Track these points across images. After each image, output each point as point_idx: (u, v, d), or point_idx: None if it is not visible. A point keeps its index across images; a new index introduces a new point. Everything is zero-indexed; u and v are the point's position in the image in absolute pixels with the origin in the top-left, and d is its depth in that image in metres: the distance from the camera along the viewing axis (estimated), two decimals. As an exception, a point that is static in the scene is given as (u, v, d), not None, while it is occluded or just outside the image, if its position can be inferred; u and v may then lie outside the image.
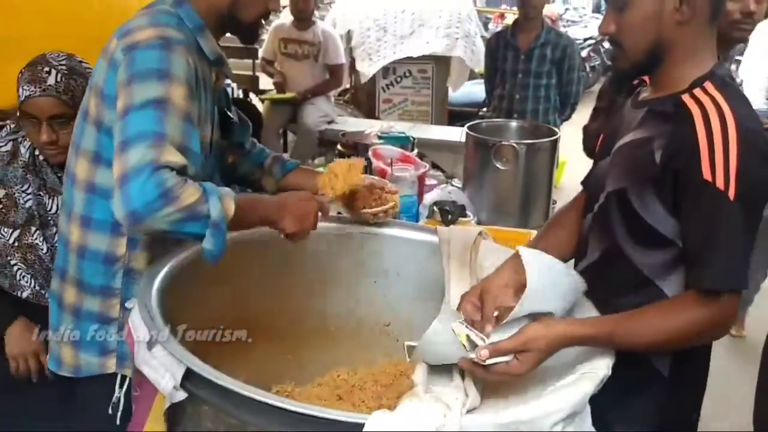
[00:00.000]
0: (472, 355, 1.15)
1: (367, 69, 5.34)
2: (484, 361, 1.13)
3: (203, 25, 1.44)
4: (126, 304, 1.33)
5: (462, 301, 1.32)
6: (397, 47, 5.27)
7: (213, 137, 1.56)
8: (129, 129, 1.24)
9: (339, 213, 1.75)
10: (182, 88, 1.30)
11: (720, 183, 1.15)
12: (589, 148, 2.61)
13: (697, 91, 1.24)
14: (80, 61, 1.79)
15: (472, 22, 5.34)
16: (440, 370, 1.26)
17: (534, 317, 1.17)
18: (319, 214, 1.49)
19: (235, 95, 5.55)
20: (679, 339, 1.21)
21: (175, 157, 1.23)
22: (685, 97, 1.24)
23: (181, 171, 1.24)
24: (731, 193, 1.15)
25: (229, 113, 1.67)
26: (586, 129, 2.62)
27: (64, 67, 1.73)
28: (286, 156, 1.99)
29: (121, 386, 1.45)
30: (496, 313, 1.23)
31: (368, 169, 2.26)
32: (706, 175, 1.16)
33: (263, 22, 1.55)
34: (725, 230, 1.16)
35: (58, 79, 1.70)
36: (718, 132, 1.17)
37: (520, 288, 1.20)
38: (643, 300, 1.25)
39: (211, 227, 1.24)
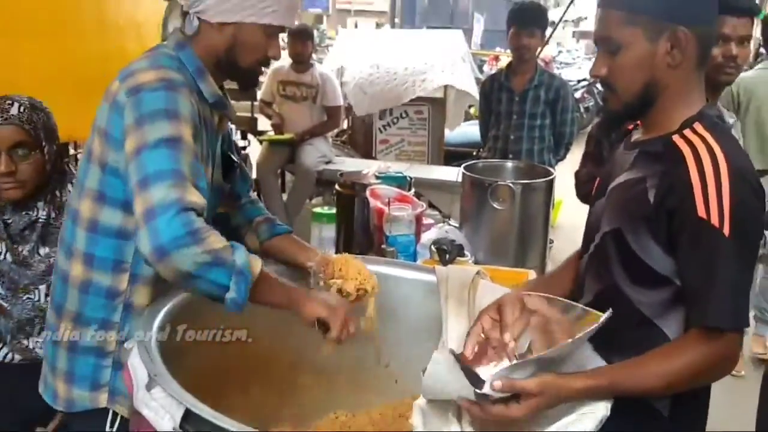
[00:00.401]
0: (484, 390, 1.12)
1: (361, 104, 5.39)
2: (496, 391, 1.11)
3: (203, 68, 1.47)
4: (125, 344, 1.34)
5: (480, 317, 1.33)
6: (394, 88, 5.32)
7: (213, 178, 1.58)
8: (147, 167, 1.26)
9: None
10: (189, 127, 1.34)
11: (715, 220, 1.16)
12: (581, 194, 2.64)
13: (687, 132, 1.26)
14: (40, 102, 1.88)
15: (466, 64, 5.43)
16: (438, 412, 1.25)
17: (541, 363, 1.16)
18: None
19: (234, 137, 5.60)
20: (681, 381, 1.21)
21: (197, 198, 1.26)
22: (676, 138, 1.27)
23: (203, 213, 1.28)
24: (726, 230, 1.16)
25: (231, 156, 1.69)
26: (577, 174, 2.65)
27: (26, 102, 1.82)
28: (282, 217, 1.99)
29: (112, 424, 1.45)
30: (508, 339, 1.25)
31: (366, 208, 2.29)
32: (701, 212, 1.17)
33: (263, 69, 1.56)
34: (723, 267, 1.17)
35: (21, 110, 1.79)
36: (710, 170, 1.19)
37: None
38: (643, 340, 1.26)
39: (236, 275, 1.24)
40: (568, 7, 6.06)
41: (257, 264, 1.29)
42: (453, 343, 1.40)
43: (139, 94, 1.34)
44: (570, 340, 1.16)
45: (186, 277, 1.23)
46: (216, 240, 1.24)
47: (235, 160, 1.70)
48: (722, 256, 1.17)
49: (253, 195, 1.83)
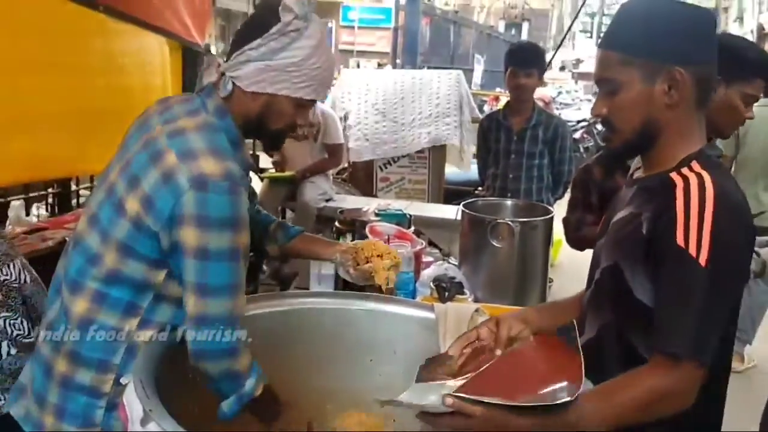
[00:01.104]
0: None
1: (364, 150, 5.45)
2: (447, 406, 1.11)
3: (238, 138, 1.51)
4: (120, 380, 1.33)
5: (479, 327, 1.42)
6: (398, 139, 5.42)
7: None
8: (208, 277, 1.37)
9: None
10: (246, 229, 1.42)
11: (693, 250, 1.17)
12: (572, 240, 2.65)
13: (684, 169, 1.28)
14: None
15: (464, 113, 5.50)
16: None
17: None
18: None
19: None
20: (640, 410, 1.18)
21: (243, 304, 1.44)
22: (673, 174, 1.28)
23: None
24: (703, 260, 1.16)
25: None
26: (566, 221, 2.66)
27: None
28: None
29: None
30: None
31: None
32: (680, 241, 1.18)
33: (287, 135, 1.60)
34: (693, 297, 1.17)
35: None
36: (696, 200, 1.20)
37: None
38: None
39: (238, 397, 1.42)
40: (561, 43, 6.13)
41: (260, 389, 1.45)
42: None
43: (205, 193, 1.34)
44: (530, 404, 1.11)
45: (205, 376, 1.41)
46: (245, 359, 1.42)
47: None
48: (694, 286, 1.17)
49: (258, 206, 1.92)
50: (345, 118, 5.56)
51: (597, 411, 1.16)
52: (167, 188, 1.36)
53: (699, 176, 1.25)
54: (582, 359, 1.18)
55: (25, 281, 2.02)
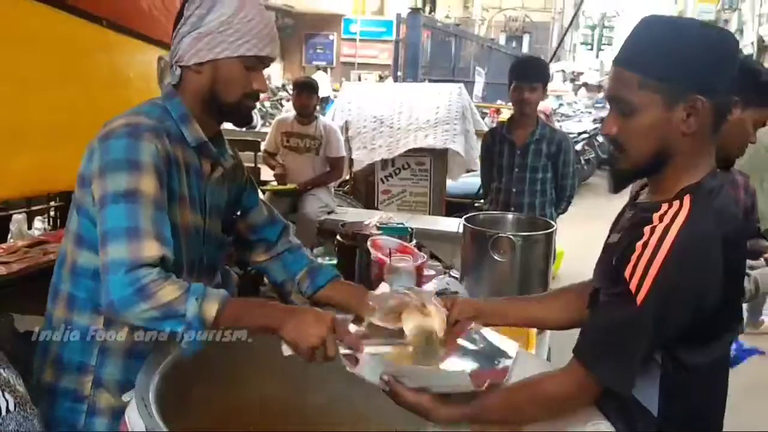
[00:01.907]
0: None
1: (363, 157, 5.46)
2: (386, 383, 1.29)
3: (188, 114, 1.50)
4: (123, 397, 1.32)
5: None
6: (394, 142, 5.41)
7: (206, 226, 1.58)
8: (106, 222, 1.32)
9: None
10: (152, 176, 1.36)
11: (633, 286, 1.17)
12: None
13: (676, 202, 1.24)
14: None
15: (468, 121, 5.50)
16: None
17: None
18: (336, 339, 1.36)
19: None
20: (537, 410, 1.28)
21: (152, 251, 1.30)
22: (665, 205, 1.25)
23: (161, 263, 1.31)
24: (639, 299, 1.16)
25: (236, 209, 1.71)
26: None
27: None
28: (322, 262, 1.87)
29: None
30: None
31: (367, 259, 2.29)
32: (627, 274, 1.19)
33: (253, 103, 1.56)
34: (618, 326, 1.20)
35: None
36: (654, 240, 1.18)
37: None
38: (620, 406, 1.27)
39: (186, 325, 1.29)
40: (555, 52, 6.14)
41: (212, 308, 1.31)
42: None
43: (107, 141, 1.38)
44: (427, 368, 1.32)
45: (143, 326, 1.33)
46: (168, 291, 1.29)
47: (236, 213, 1.71)
48: (622, 314, 1.19)
49: (293, 239, 1.79)
50: (345, 129, 5.58)
51: (496, 405, 1.28)
52: (87, 158, 1.40)
53: (675, 213, 1.21)
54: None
55: (6, 411, 1.19)
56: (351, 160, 5.69)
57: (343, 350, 1.33)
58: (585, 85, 20.82)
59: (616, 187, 1.37)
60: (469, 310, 1.54)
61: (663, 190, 1.29)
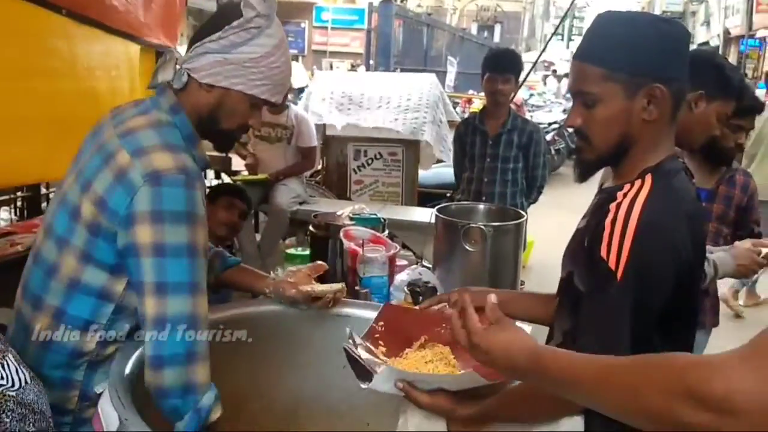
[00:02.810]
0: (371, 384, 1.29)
1: (335, 122, 5.46)
2: (400, 390, 1.29)
3: (194, 134, 1.49)
4: (96, 389, 1.32)
5: (452, 292, 1.57)
6: (362, 118, 5.42)
7: None
8: (167, 275, 1.32)
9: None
10: (204, 226, 1.38)
11: (612, 263, 1.20)
12: None
13: (638, 181, 1.29)
14: None
15: (439, 110, 5.52)
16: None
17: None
18: None
19: (207, 176, 5.59)
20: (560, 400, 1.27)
21: (205, 309, 1.36)
22: (626, 186, 1.29)
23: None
24: (619, 274, 1.19)
25: None
26: None
27: None
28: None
29: None
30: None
31: (340, 249, 2.30)
32: (603, 253, 1.21)
33: (241, 135, 1.58)
34: (608, 308, 1.21)
35: None
36: (622, 217, 1.22)
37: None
38: None
39: (195, 411, 1.31)
40: (540, 54, 6.21)
41: (216, 413, 1.35)
42: None
43: (159, 187, 1.33)
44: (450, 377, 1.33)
45: (159, 393, 1.31)
46: (203, 372, 1.33)
47: None
48: (609, 294, 1.21)
49: None
50: (319, 117, 5.57)
51: (512, 403, 1.30)
52: (121, 186, 1.34)
53: (638, 192, 1.26)
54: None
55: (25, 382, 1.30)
56: (324, 151, 5.69)
57: (355, 365, 1.36)
58: (554, 72, 20.97)
59: (582, 176, 1.41)
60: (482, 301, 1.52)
61: (625, 174, 1.34)
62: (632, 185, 1.29)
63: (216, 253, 1.80)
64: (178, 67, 1.47)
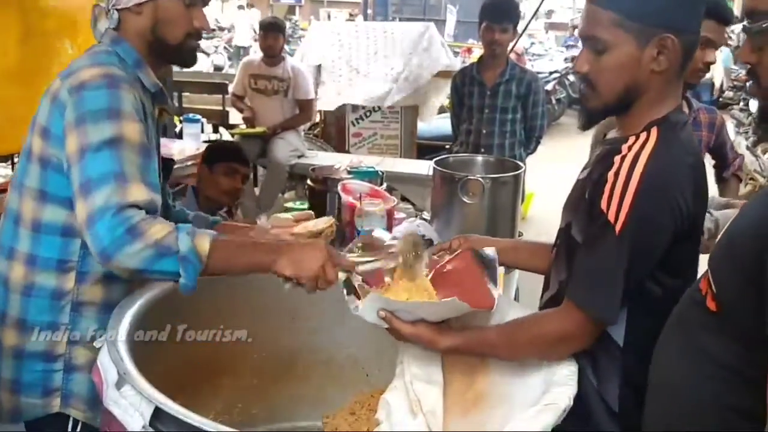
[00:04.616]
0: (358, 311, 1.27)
1: (329, 102, 5.44)
2: (381, 318, 1.27)
3: (141, 59, 1.47)
4: (95, 343, 1.33)
5: (453, 239, 1.63)
6: (367, 90, 5.38)
7: (159, 170, 1.55)
8: (89, 171, 1.28)
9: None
10: (134, 123, 1.34)
11: (611, 216, 1.21)
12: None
13: (644, 134, 1.28)
14: None
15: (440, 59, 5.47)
16: (402, 406, 1.28)
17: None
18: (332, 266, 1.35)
19: (204, 130, 5.56)
20: (536, 348, 1.30)
21: (140, 195, 1.27)
22: (632, 138, 1.29)
23: (149, 207, 1.28)
24: (618, 228, 1.20)
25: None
26: None
27: None
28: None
29: (74, 428, 1.44)
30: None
31: (338, 203, 2.30)
32: (603, 206, 1.22)
33: (196, 42, 1.54)
34: (603, 259, 1.23)
35: None
36: (625, 170, 1.22)
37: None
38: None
39: (181, 261, 1.25)
40: (541, 2, 6.09)
41: (204, 243, 1.27)
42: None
43: (82, 92, 1.34)
44: (430, 302, 1.31)
45: (137, 273, 1.26)
46: (158, 229, 1.25)
47: (172, 159, 1.71)
48: (605, 249, 1.22)
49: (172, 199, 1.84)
50: (318, 71, 5.50)
51: (494, 340, 1.31)
52: (55, 109, 1.37)
53: (643, 144, 1.25)
54: (494, 294, 1.35)
55: None
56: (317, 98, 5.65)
57: (347, 288, 1.34)
58: (553, 25, 20.64)
59: (586, 124, 1.41)
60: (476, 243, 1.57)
61: (630, 126, 1.33)
62: (637, 138, 1.28)
63: (195, 216, 1.78)
64: (107, 11, 1.46)
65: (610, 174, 1.23)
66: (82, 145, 1.30)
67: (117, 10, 1.45)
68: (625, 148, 1.27)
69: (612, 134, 1.42)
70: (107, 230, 1.22)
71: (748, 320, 0.98)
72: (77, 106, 1.33)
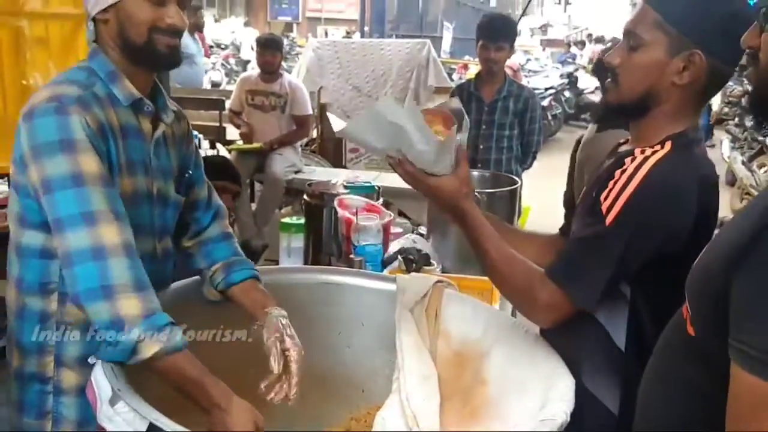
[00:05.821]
0: None
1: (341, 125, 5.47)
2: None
3: (115, 71, 1.41)
4: (89, 360, 1.32)
5: None
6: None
7: (154, 188, 1.49)
8: (58, 210, 1.28)
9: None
10: (90, 153, 1.30)
11: (605, 207, 1.24)
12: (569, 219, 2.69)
13: (657, 146, 1.29)
14: None
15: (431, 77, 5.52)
16: (399, 423, 1.27)
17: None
18: None
19: (201, 146, 5.56)
20: (514, 291, 1.35)
21: (112, 235, 1.27)
22: (648, 149, 1.30)
23: (127, 249, 1.28)
24: (609, 219, 1.22)
25: (188, 172, 1.62)
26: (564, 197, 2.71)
27: None
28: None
29: None
30: None
31: (334, 218, 2.30)
32: (602, 198, 1.25)
33: (167, 38, 1.41)
34: (582, 245, 1.26)
35: None
36: (631, 169, 1.25)
37: None
38: (578, 329, 1.31)
39: (114, 342, 1.22)
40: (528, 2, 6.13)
41: (148, 350, 1.22)
42: (406, 354, 1.42)
43: (32, 120, 1.31)
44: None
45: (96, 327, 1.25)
46: (129, 305, 1.23)
47: (190, 172, 1.62)
48: (591, 237, 1.25)
49: (225, 227, 1.70)
50: (318, 95, 5.53)
51: (494, 246, 1.34)
52: (17, 135, 1.35)
53: (654, 152, 1.27)
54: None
55: None
56: (319, 120, 5.65)
57: None
58: (549, 42, 20.80)
59: (600, 117, 1.42)
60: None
61: (646, 138, 1.34)
62: (652, 147, 1.30)
63: (224, 264, 1.61)
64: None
65: (617, 172, 1.26)
66: (43, 179, 1.29)
67: (93, 21, 1.43)
68: (638, 152, 1.29)
69: (626, 147, 1.42)
70: (84, 278, 1.24)
71: (716, 345, 0.95)
72: (30, 137, 1.31)
